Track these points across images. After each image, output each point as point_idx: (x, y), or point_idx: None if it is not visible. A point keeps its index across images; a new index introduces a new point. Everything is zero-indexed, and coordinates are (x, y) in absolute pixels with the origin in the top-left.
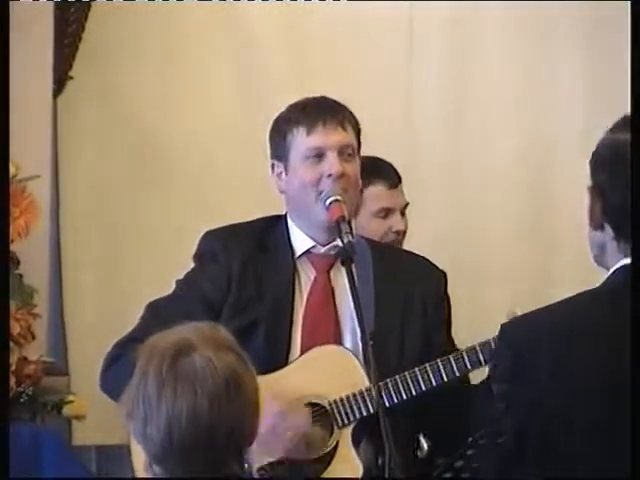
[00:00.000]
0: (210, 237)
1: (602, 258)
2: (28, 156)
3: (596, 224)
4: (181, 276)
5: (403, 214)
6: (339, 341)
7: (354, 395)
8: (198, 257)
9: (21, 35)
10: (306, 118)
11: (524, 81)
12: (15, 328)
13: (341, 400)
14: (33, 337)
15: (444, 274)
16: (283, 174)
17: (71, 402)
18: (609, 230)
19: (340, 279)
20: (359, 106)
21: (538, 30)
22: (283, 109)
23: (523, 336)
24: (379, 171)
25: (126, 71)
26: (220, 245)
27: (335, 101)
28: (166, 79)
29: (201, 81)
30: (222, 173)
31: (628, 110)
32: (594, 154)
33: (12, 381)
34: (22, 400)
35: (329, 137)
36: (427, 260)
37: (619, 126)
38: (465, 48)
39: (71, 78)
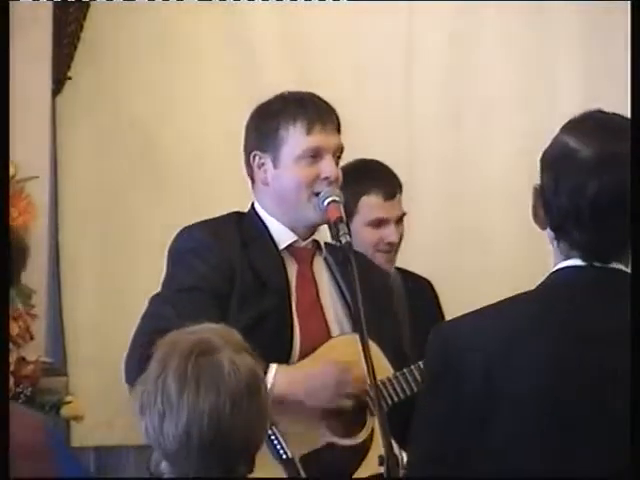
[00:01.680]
0: (194, 231)
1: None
2: (27, 156)
3: (542, 224)
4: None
5: (398, 223)
6: (329, 331)
7: (388, 380)
8: (186, 251)
9: (21, 35)
10: (304, 115)
11: (524, 81)
12: (14, 329)
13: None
14: (31, 338)
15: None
16: (269, 167)
17: (69, 403)
18: (549, 231)
19: (321, 272)
20: (359, 106)
21: (538, 30)
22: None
23: (458, 340)
24: (377, 179)
25: (125, 71)
26: (209, 237)
27: (324, 99)
28: (165, 79)
29: (200, 82)
30: (222, 173)
31: (628, 110)
32: (542, 154)
33: (10, 381)
34: (20, 400)
35: (328, 139)
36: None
37: (568, 126)
38: (465, 48)
39: (70, 78)
